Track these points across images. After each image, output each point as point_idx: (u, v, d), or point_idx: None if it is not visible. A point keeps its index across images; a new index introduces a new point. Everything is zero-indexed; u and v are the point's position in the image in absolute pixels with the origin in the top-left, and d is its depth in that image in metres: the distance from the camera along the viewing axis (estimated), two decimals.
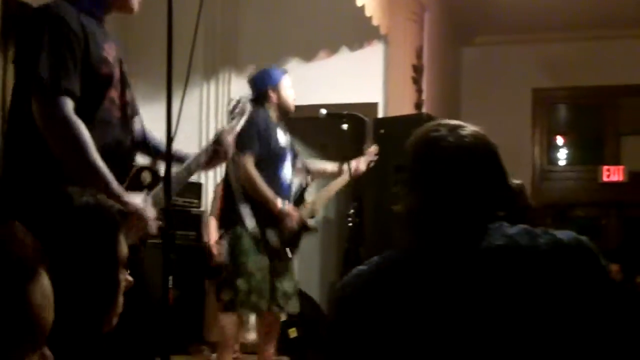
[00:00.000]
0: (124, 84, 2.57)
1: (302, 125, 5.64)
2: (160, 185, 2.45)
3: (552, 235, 1.42)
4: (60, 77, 2.23)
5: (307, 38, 6.54)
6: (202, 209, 6.36)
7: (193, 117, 6.52)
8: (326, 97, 6.09)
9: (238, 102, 3.02)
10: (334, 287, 4.09)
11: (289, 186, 4.38)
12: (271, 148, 4.26)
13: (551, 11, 7.72)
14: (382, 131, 5.72)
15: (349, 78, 6.36)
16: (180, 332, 5.32)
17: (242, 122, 2.93)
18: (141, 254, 2.39)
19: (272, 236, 4.20)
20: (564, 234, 1.43)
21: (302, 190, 4.50)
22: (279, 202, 4.19)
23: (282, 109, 4.38)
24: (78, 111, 2.26)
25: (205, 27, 6.30)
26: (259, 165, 4.18)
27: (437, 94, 7.06)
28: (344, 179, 4.50)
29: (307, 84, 5.90)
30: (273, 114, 4.37)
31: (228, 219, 4.31)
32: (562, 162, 9.39)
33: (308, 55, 6.55)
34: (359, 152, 4.95)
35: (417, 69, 6.37)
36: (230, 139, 2.80)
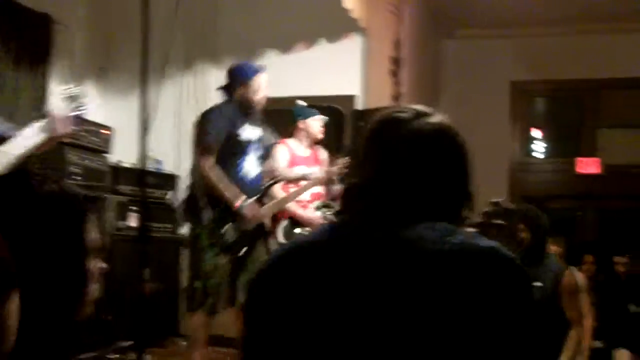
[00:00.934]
0: None
1: (280, 117, 5.63)
2: None
3: (470, 241, 1.31)
4: None
5: (285, 30, 6.51)
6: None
7: (170, 110, 6.48)
8: (304, 89, 6.07)
9: (71, 87, 2.97)
10: None
11: (252, 181, 4.33)
12: (233, 142, 4.22)
13: (531, 5, 7.78)
14: (360, 124, 5.72)
15: (327, 70, 6.34)
16: (155, 325, 5.29)
17: (74, 108, 2.89)
18: None
19: (230, 233, 4.16)
20: (484, 242, 1.31)
21: (269, 186, 4.48)
22: (239, 200, 4.15)
23: (246, 104, 4.33)
24: None
25: (183, 19, 6.27)
26: (219, 159, 4.15)
27: (416, 86, 7.07)
28: (310, 184, 4.55)
29: (285, 76, 5.88)
30: (241, 107, 4.33)
31: (189, 214, 4.29)
32: (539, 155, 9.46)
33: (286, 47, 6.53)
34: (337, 145, 4.98)
35: (396, 62, 6.37)
36: (61, 123, 2.77)
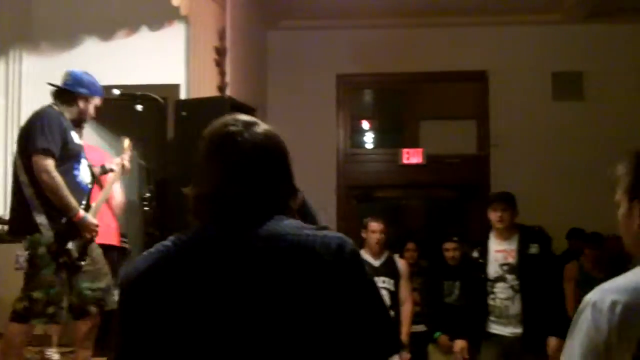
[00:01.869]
0: None
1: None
2: None
3: (319, 232, 1.53)
4: None
5: (105, 16, 6.29)
6: None
7: None
8: (126, 77, 5.91)
9: None
10: None
11: (87, 187, 4.19)
12: (67, 147, 4.03)
13: None
14: (184, 113, 5.60)
15: (149, 58, 6.18)
16: None
17: None
18: None
19: (72, 248, 4.00)
20: (331, 233, 1.54)
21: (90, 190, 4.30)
22: (81, 212, 3.99)
23: (79, 118, 4.20)
24: None
25: None
26: (57, 166, 3.94)
27: (241, 77, 7.02)
28: (115, 177, 4.43)
29: (105, 63, 5.68)
30: (68, 115, 4.14)
31: (23, 226, 4.01)
32: (366, 146, 9.69)
33: (106, 33, 6.30)
34: (160, 134, 4.86)
35: (220, 51, 6.29)
36: None
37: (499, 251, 4.69)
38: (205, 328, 1.44)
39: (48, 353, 5.03)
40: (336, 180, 8.85)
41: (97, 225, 4.09)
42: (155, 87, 5.85)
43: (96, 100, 4.24)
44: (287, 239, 1.48)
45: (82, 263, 4.06)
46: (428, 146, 8.99)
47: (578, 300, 5.80)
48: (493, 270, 4.66)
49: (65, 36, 6.25)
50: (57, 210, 3.94)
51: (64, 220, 3.96)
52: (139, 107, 4.29)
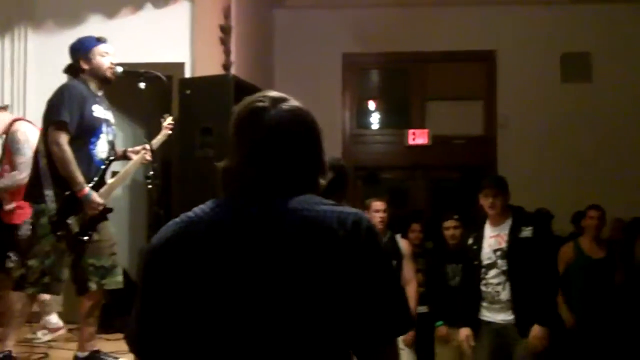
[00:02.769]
0: None
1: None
2: None
3: (337, 208, 1.54)
4: None
5: None
6: None
7: None
8: (131, 56, 5.81)
9: None
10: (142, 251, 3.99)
11: (101, 162, 4.18)
12: (84, 121, 4.04)
13: None
14: (188, 92, 5.57)
15: (154, 37, 6.13)
16: None
17: None
18: None
19: (73, 223, 4.02)
20: (348, 209, 1.54)
21: (106, 167, 4.29)
22: (86, 188, 4.00)
23: (97, 77, 4.20)
24: None
25: None
26: (71, 139, 3.96)
27: (247, 56, 6.98)
28: (141, 158, 4.39)
29: (110, 42, 5.62)
30: (91, 84, 4.18)
31: (33, 193, 4.10)
32: (371, 126, 9.65)
33: (110, 11, 6.26)
34: (163, 112, 4.82)
35: (225, 30, 6.24)
36: None
37: (493, 236, 4.60)
38: (220, 298, 1.48)
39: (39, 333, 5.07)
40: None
41: (100, 204, 4.09)
42: (159, 65, 5.78)
43: (98, 51, 4.21)
44: (302, 214, 1.50)
45: (85, 238, 4.08)
46: (434, 127, 8.95)
47: (575, 286, 5.62)
48: (486, 256, 4.57)
49: (69, 14, 6.21)
50: (65, 183, 3.97)
51: (67, 193, 3.98)
52: (142, 85, 4.24)
